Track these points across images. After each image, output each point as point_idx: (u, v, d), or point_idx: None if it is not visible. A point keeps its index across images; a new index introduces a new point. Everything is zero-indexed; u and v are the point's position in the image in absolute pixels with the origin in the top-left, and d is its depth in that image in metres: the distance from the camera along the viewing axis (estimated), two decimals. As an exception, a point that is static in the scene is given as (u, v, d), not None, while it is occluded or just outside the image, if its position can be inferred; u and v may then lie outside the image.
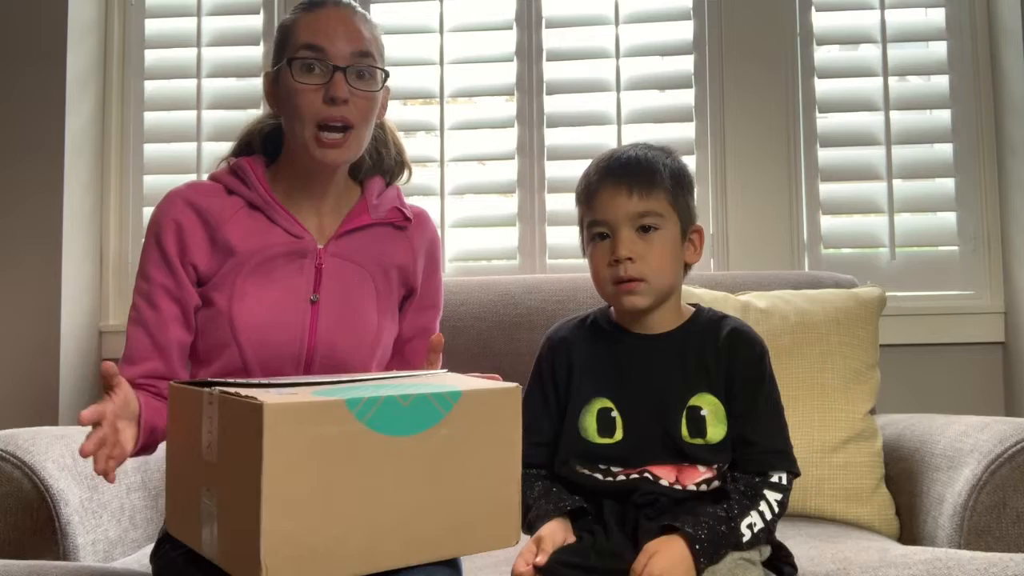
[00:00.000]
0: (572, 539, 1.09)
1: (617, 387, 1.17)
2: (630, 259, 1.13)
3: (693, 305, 1.23)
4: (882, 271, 2.11)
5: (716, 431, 1.13)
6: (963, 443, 1.43)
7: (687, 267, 1.20)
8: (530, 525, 1.12)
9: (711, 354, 1.16)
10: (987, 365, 2.07)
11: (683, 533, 1.04)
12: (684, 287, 1.34)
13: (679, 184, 1.17)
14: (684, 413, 1.14)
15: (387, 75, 1.25)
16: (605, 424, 1.16)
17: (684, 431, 1.13)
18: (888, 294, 1.77)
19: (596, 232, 1.17)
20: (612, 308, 1.23)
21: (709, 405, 1.14)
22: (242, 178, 1.27)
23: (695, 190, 1.22)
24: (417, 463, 0.93)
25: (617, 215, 1.14)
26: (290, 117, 1.22)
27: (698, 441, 1.13)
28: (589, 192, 1.18)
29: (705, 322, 1.20)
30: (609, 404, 1.17)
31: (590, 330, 1.23)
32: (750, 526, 1.08)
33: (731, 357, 1.16)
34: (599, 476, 1.15)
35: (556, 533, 1.09)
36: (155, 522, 1.61)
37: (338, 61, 1.20)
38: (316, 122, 1.20)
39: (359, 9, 1.26)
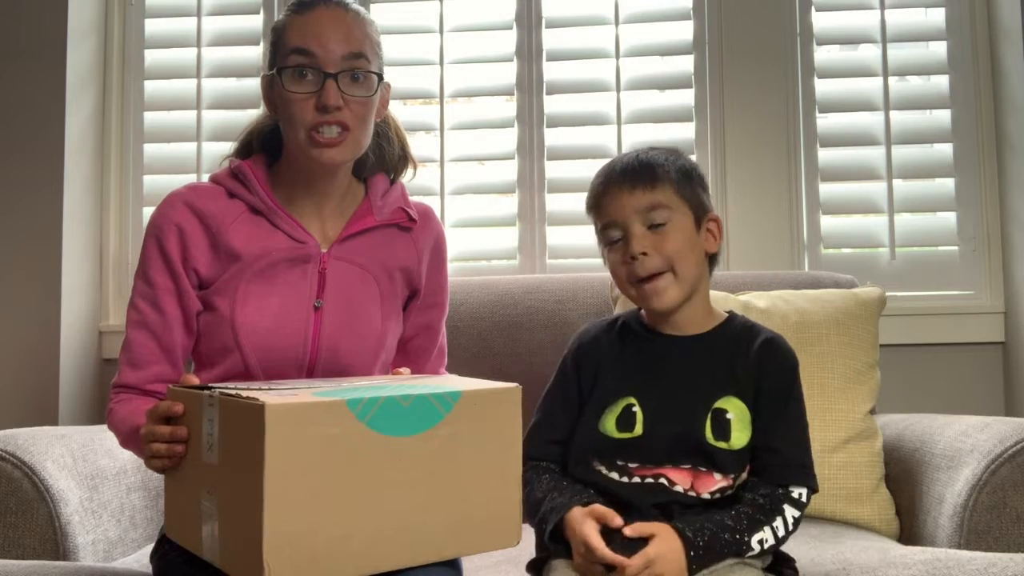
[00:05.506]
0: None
1: (643, 385, 1.16)
2: (644, 254, 1.13)
3: (728, 312, 1.22)
4: (882, 271, 2.11)
5: (740, 436, 1.12)
6: (963, 443, 1.43)
7: (711, 258, 1.20)
8: (543, 518, 1.10)
9: (742, 361, 1.16)
10: (987, 365, 2.07)
11: (682, 536, 1.03)
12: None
13: (686, 177, 1.17)
14: (709, 415, 1.13)
15: (381, 78, 1.23)
16: (626, 420, 1.15)
17: (708, 432, 1.12)
18: (888, 294, 1.77)
19: (610, 237, 1.16)
20: (642, 310, 1.22)
21: (736, 409, 1.13)
22: (243, 182, 1.25)
23: (707, 184, 1.22)
24: (418, 463, 0.93)
25: (625, 212, 1.14)
26: (285, 123, 1.21)
27: (721, 444, 1.12)
28: (596, 197, 1.18)
29: (739, 329, 1.19)
30: (632, 401, 1.15)
31: (620, 332, 1.22)
32: (761, 541, 1.07)
33: (762, 366, 1.15)
34: (616, 475, 1.13)
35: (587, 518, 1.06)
36: (155, 522, 1.61)
37: (329, 67, 1.17)
38: (309, 128, 1.18)
39: (353, 6, 1.23)
